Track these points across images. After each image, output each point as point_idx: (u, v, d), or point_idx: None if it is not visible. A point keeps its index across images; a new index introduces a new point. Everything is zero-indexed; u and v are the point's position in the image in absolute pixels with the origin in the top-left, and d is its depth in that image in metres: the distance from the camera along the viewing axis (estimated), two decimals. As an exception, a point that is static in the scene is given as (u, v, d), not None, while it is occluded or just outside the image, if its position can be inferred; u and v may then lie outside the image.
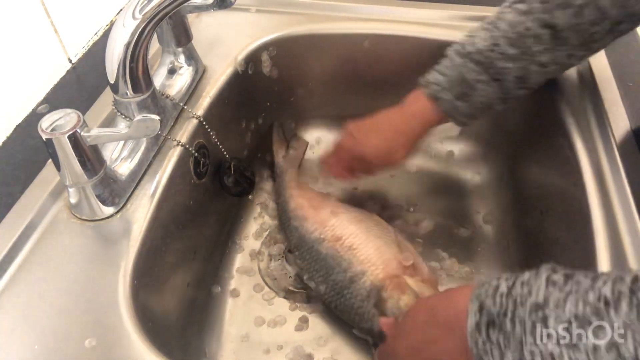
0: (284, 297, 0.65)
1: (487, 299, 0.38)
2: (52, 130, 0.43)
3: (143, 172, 0.53)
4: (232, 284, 0.67)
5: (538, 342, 0.34)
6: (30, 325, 0.42)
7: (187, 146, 0.57)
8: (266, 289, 0.67)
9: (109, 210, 0.50)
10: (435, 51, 0.72)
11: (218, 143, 0.64)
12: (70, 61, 0.68)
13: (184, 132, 0.58)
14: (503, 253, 0.69)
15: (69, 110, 0.44)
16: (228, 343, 0.62)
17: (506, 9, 0.54)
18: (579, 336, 0.33)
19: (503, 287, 0.38)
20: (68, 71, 0.67)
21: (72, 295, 0.44)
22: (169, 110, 0.58)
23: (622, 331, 0.32)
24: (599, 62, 0.65)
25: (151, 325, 0.45)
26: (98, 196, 0.49)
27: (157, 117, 0.45)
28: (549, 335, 0.34)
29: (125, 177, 0.52)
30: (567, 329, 0.33)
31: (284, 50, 0.73)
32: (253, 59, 0.71)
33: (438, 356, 0.43)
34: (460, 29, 0.70)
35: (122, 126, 0.54)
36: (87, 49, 0.70)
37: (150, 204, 0.51)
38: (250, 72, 0.71)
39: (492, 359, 0.36)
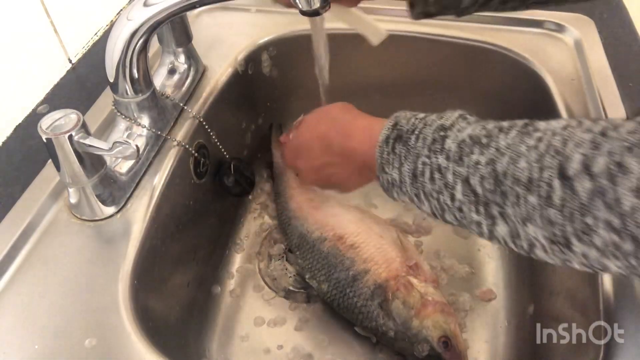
0: (284, 297, 0.65)
1: (402, 119, 0.42)
2: (52, 130, 0.43)
3: (143, 172, 0.53)
4: (232, 284, 0.67)
5: (432, 155, 0.38)
6: (30, 325, 0.42)
7: (187, 146, 0.57)
8: (266, 289, 0.67)
9: (109, 210, 0.50)
10: (437, 51, 0.73)
11: (218, 143, 0.64)
12: (70, 61, 0.68)
13: (184, 132, 0.58)
14: (503, 253, 0.69)
15: (69, 111, 0.44)
16: (228, 343, 0.62)
17: None
18: (467, 153, 0.36)
19: (420, 114, 0.42)
20: (68, 71, 0.67)
21: (72, 295, 0.44)
22: (169, 110, 0.58)
23: (503, 150, 0.34)
24: (599, 62, 0.65)
25: (151, 325, 0.45)
26: (98, 196, 0.49)
27: (133, 145, 0.44)
28: (442, 150, 0.37)
29: (125, 177, 0.52)
30: (459, 146, 0.36)
31: (284, 50, 0.73)
32: (253, 59, 0.71)
33: (333, 177, 0.52)
34: (464, 29, 0.71)
35: (116, 135, 0.54)
36: (87, 49, 0.70)
37: (150, 204, 0.51)
38: (250, 72, 0.71)
39: (391, 168, 0.41)
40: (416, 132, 0.40)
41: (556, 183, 0.30)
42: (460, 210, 0.36)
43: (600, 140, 0.30)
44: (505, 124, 0.36)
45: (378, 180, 0.44)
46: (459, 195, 0.36)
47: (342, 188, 0.56)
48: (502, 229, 0.35)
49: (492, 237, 0.36)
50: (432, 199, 0.38)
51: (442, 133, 0.38)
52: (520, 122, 0.36)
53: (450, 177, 0.36)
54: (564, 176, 0.30)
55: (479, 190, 0.35)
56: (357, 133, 0.48)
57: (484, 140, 0.35)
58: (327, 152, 0.52)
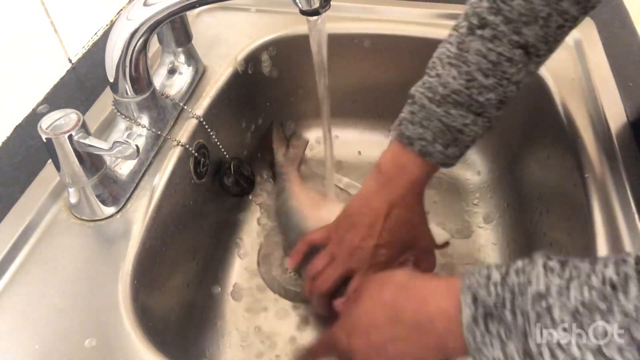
0: (284, 297, 0.65)
1: (480, 290, 0.36)
2: (52, 130, 0.43)
3: (143, 172, 0.54)
4: (232, 284, 0.67)
5: (544, 332, 0.33)
6: (30, 325, 0.42)
7: (187, 146, 0.57)
8: (266, 288, 0.67)
9: (109, 210, 0.50)
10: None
11: (218, 143, 0.64)
12: (70, 61, 0.67)
13: (184, 132, 0.58)
14: (503, 253, 0.69)
15: (69, 110, 0.44)
16: (228, 343, 0.62)
17: (467, 37, 0.47)
18: (587, 323, 0.32)
19: (496, 276, 0.36)
20: (68, 71, 0.67)
21: (72, 295, 0.44)
22: (169, 110, 0.58)
23: (633, 314, 0.30)
24: (599, 62, 0.65)
25: (151, 325, 0.45)
26: (98, 196, 0.49)
27: (133, 145, 0.44)
28: (554, 324, 0.33)
29: (125, 177, 0.52)
30: (575, 317, 0.32)
31: (284, 50, 0.73)
32: (253, 59, 0.71)
33: (408, 355, 0.41)
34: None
35: (116, 135, 0.54)
36: (87, 49, 0.70)
37: (150, 204, 0.51)
38: (250, 72, 0.71)
39: (491, 350, 0.35)
40: (508, 306, 0.35)
41: None
42: None
43: None
44: (611, 274, 0.32)
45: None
46: None
47: None
48: None
49: None
50: None
51: (543, 303, 0.34)
52: (630, 270, 0.32)
53: (576, 351, 0.32)
54: None
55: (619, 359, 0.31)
56: (433, 298, 0.40)
57: (602, 306, 0.32)
58: (395, 325, 0.42)
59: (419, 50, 0.72)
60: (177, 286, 0.58)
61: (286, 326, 0.63)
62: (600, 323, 0.31)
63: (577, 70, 0.65)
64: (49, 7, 0.62)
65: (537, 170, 0.67)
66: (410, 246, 0.56)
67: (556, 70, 0.65)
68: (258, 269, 0.69)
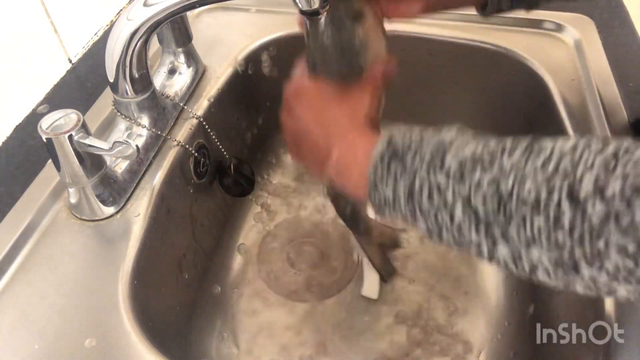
0: (285, 297, 0.65)
1: (397, 134, 0.39)
2: (52, 130, 0.43)
3: (143, 172, 0.53)
4: (233, 283, 0.67)
5: (431, 173, 0.36)
6: (30, 325, 0.42)
7: (187, 146, 0.57)
8: (266, 288, 0.67)
9: (109, 210, 0.50)
10: (437, 51, 0.72)
11: (218, 143, 0.64)
12: (70, 61, 0.68)
13: (184, 132, 0.58)
14: (503, 253, 0.69)
15: (69, 111, 0.44)
16: (228, 343, 0.62)
17: None
18: (469, 171, 0.34)
19: (416, 129, 0.39)
20: (68, 71, 0.67)
21: (72, 295, 0.44)
22: (169, 110, 0.59)
23: (507, 170, 0.33)
24: (599, 62, 0.65)
25: (151, 325, 0.45)
26: (98, 196, 0.49)
27: (133, 145, 0.44)
28: (442, 167, 0.35)
29: (125, 177, 0.52)
30: (460, 164, 0.35)
31: (284, 50, 0.73)
32: (253, 59, 0.71)
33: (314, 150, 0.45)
34: (464, 29, 0.71)
35: (116, 135, 0.54)
36: (87, 49, 0.70)
37: (150, 204, 0.51)
38: (250, 72, 0.71)
39: (384, 186, 0.38)
40: (413, 148, 0.38)
41: (565, 205, 0.30)
42: (459, 229, 0.35)
43: (613, 162, 0.29)
44: (508, 142, 0.35)
45: (368, 198, 0.41)
46: (459, 214, 0.35)
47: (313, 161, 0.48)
48: (503, 251, 0.34)
49: (491, 258, 0.35)
50: (428, 217, 0.37)
51: (441, 149, 0.37)
52: (524, 141, 0.35)
53: (450, 196, 0.35)
54: (574, 198, 0.29)
55: (481, 210, 0.34)
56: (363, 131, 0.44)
57: (487, 158, 0.34)
58: (320, 128, 0.46)
59: (421, 49, 0.72)
60: (177, 286, 0.58)
61: (287, 326, 0.63)
62: (478, 173, 0.34)
63: (577, 70, 0.65)
64: (49, 7, 0.62)
65: (537, 170, 0.67)
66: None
67: (556, 70, 0.65)
68: (258, 269, 0.69)
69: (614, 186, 0.28)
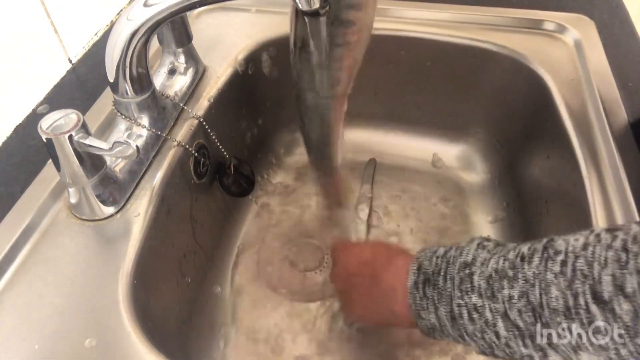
0: (285, 297, 0.65)
1: (425, 261, 0.42)
2: (52, 130, 0.43)
3: (143, 172, 0.54)
4: (233, 283, 0.67)
5: (464, 295, 0.37)
6: (30, 325, 0.42)
7: (187, 146, 0.57)
8: (267, 288, 0.67)
9: (109, 210, 0.50)
10: (437, 51, 0.72)
11: (218, 143, 0.64)
12: (70, 61, 0.68)
13: (184, 132, 0.58)
14: (503, 253, 0.69)
15: (69, 111, 0.44)
16: (228, 343, 0.62)
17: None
18: (498, 288, 0.35)
19: (440, 251, 0.41)
20: (68, 71, 0.67)
21: (72, 295, 0.44)
22: (169, 111, 0.58)
23: (531, 280, 0.34)
24: (599, 62, 0.65)
25: (151, 325, 0.45)
26: (98, 196, 0.49)
27: (133, 145, 0.44)
28: (472, 289, 0.37)
29: (126, 177, 0.52)
30: (488, 282, 0.36)
31: (284, 50, 0.72)
32: (253, 59, 0.71)
33: (384, 313, 0.46)
34: (464, 29, 0.71)
35: (116, 135, 0.54)
36: (87, 49, 0.70)
37: (150, 204, 0.51)
38: (250, 72, 0.71)
39: (427, 313, 0.40)
40: (442, 273, 0.39)
41: (594, 308, 0.30)
42: (508, 346, 0.36)
43: (624, 257, 0.30)
44: (524, 249, 0.36)
45: (417, 327, 0.42)
46: (502, 331, 0.35)
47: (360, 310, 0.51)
48: (556, 359, 0.34)
49: None
50: (477, 339, 0.37)
51: (467, 271, 0.38)
52: (539, 245, 0.35)
53: (488, 314, 0.36)
54: (600, 300, 0.30)
55: (521, 324, 0.34)
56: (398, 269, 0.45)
57: (510, 273, 0.35)
58: (368, 283, 0.48)
59: (420, 49, 0.72)
60: (177, 286, 0.58)
61: (287, 326, 0.63)
62: (506, 289, 0.35)
63: (577, 70, 0.65)
64: (49, 7, 0.62)
65: (537, 170, 0.67)
66: None
67: (556, 70, 0.65)
68: (258, 269, 0.69)
69: (631, 283, 0.29)
